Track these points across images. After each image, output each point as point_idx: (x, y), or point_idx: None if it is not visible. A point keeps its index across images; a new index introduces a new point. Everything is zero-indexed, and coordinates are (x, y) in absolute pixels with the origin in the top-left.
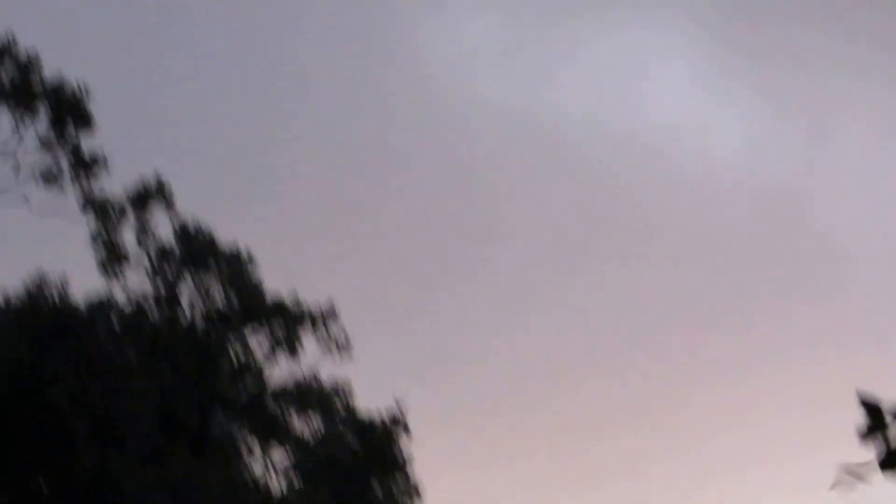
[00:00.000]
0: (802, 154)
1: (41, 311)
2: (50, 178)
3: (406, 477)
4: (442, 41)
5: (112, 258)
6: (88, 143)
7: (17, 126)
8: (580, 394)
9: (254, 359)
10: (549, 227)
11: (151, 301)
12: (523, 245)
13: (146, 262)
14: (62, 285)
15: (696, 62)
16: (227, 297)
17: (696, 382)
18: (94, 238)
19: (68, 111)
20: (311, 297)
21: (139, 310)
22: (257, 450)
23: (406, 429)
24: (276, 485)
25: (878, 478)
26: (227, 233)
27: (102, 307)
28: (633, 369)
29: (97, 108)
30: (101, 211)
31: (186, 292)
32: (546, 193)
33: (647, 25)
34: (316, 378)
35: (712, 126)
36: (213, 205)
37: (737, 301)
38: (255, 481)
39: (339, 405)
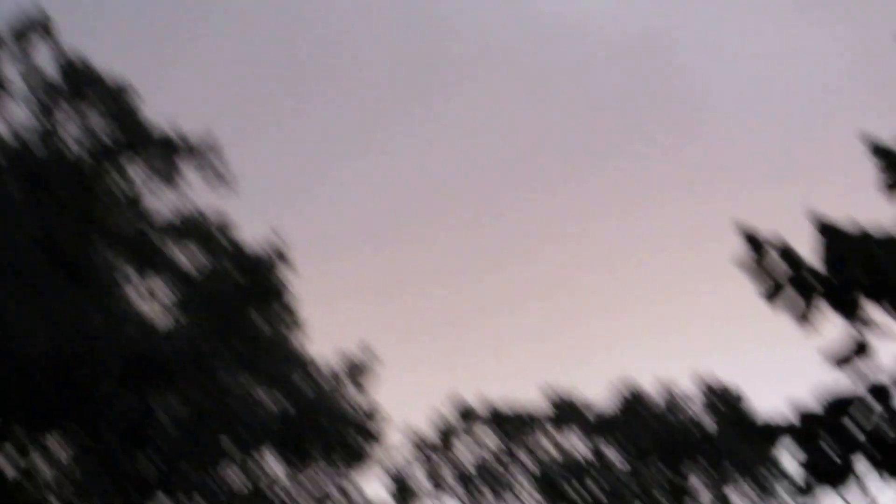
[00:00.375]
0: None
1: None
2: None
3: (288, 308)
4: None
5: None
6: None
7: None
8: (460, 226)
9: (136, 191)
10: (404, 67)
11: (34, 134)
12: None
13: (28, 95)
14: None
15: None
16: (109, 129)
17: (568, 222)
18: None
19: None
20: (193, 130)
21: (21, 143)
22: (138, 282)
23: (287, 261)
24: (157, 316)
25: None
26: (111, 66)
27: None
28: (508, 208)
29: None
30: None
31: (69, 125)
32: (403, 37)
33: None
34: (197, 210)
35: None
36: (96, 38)
37: (603, 143)
38: (136, 313)
39: (219, 237)
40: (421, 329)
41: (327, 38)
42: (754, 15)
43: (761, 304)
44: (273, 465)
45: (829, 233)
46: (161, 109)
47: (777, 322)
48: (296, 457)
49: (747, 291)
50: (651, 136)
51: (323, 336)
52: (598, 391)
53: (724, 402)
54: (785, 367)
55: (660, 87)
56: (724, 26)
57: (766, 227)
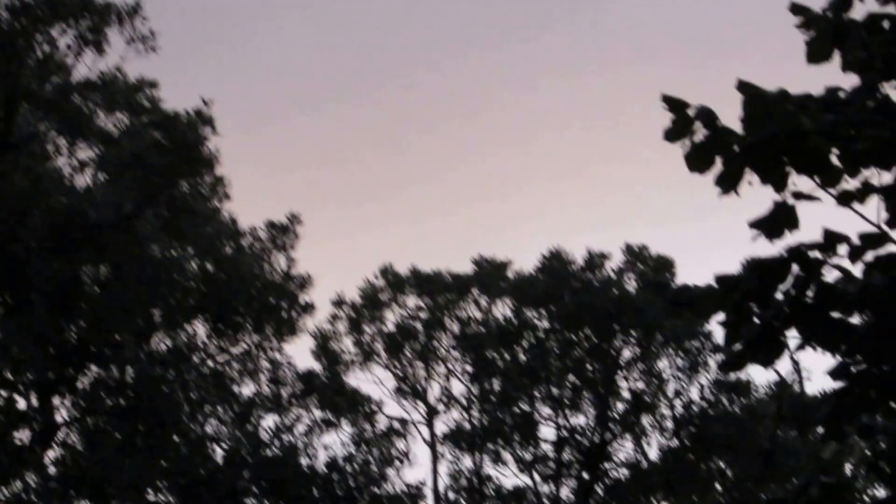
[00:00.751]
0: None
1: None
2: None
3: (213, 173)
4: None
5: None
6: None
7: None
8: (390, 90)
9: (59, 54)
10: None
11: None
12: None
13: None
14: None
15: None
16: None
17: (474, 100)
18: None
19: None
20: None
21: None
22: (63, 144)
23: (212, 125)
24: (82, 180)
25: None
26: None
27: None
28: (436, 71)
29: None
30: None
31: None
32: None
33: None
34: (122, 74)
35: None
36: None
37: (469, 30)
38: (62, 178)
39: (145, 101)
40: (348, 195)
41: None
42: None
43: (687, 175)
44: (202, 333)
45: (751, 94)
46: None
47: (704, 193)
48: (224, 325)
49: (674, 163)
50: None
51: (249, 202)
52: (526, 260)
53: (653, 271)
54: (713, 237)
55: None
56: None
57: (688, 98)
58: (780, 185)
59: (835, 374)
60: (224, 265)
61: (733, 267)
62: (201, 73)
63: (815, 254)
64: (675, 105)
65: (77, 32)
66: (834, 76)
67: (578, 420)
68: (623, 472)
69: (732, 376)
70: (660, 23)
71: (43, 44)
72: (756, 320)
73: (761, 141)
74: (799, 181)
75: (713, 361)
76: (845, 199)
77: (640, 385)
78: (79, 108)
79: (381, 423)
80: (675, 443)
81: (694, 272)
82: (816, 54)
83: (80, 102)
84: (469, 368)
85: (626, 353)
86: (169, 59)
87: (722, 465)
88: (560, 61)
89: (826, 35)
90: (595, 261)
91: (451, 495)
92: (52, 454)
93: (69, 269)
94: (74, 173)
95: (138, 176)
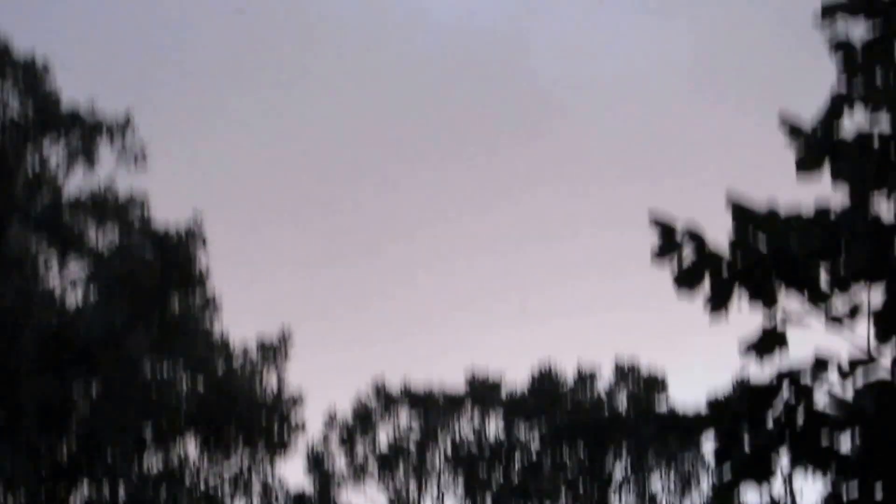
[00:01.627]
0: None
1: None
2: None
3: (203, 290)
4: None
5: None
6: None
7: None
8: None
9: (50, 169)
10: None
11: None
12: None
13: None
14: None
15: None
16: (22, 106)
17: (432, 215)
18: None
19: None
20: (109, 107)
21: None
22: (54, 262)
23: (203, 241)
24: (73, 298)
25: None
26: (24, 41)
27: None
28: (365, 201)
29: None
30: None
31: None
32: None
33: None
34: (112, 190)
35: None
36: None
37: (456, 139)
38: (52, 295)
39: (135, 217)
40: (340, 304)
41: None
42: (603, 12)
43: (675, 293)
44: (193, 451)
45: (740, 215)
46: (78, 87)
47: (693, 311)
48: (215, 443)
49: (664, 279)
50: (499, 133)
51: (240, 311)
52: (518, 371)
53: (644, 389)
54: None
55: (513, 82)
56: (574, 22)
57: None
58: (769, 304)
59: (827, 502)
60: (215, 383)
61: (724, 381)
62: (190, 182)
63: (805, 376)
64: (662, 225)
65: (68, 148)
66: (824, 188)
67: None
68: None
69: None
70: (650, 136)
71: (34, 160)
72: (747, 443)
73: (750, 259)
74: (789, 303)
75: (706, 479)
76: (835, 321)
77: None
78: (69, 224)
79: None
80: None
81: (685, 386)
82: (806, 171)
83: (71, 219)
84: (461, 487)
85: (619, 472)
86: (159, 168)
87: None
88: (550, 171)
89: (815, 152)
90: (586, 378)
91: None
92: None
93: (60, 387)
94: (65, 291)
95: (129, 293)
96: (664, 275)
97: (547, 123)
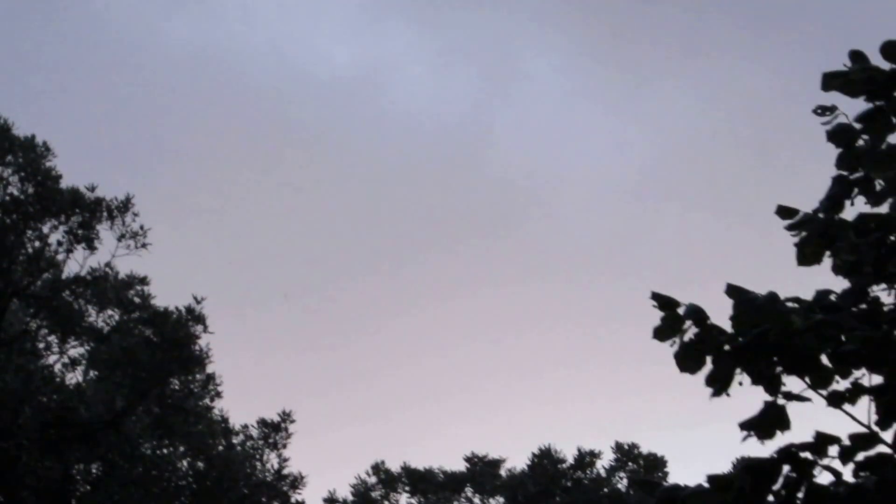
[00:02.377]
0: (482, 93)
1: None
2: None
3: (203, 369)
4: None
5: None
6: None
7: None
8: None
9: (50, 249)
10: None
11: None
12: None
13: None
14: None
15: (376, 7)
16: (23, 188)
17: (431, 298)
18: None
19: None
20: (109, 189)
21: None
22: (54, 342)
23: (203, 323)
24: (73, 377)
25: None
26: (25, 123)
27: None
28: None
29: None
30: None
31: None
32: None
33: None
34: (112, 270)
35: (390, 61)
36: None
37: (416, 234)
38: (52, 374)
39: (135, 298)
40: (340, 385)
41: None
42: (569, 108)
43: (678, 374)
44: None
45: (741, 297)
46: (77, 168)
47: (695, 389)
48: None
49: (665, 361)
50: (462, 229)
51: (240, 392)
52: (518, 454)
53: (644, 469)
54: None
55: (483, 176)
56: (539, 120)
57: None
58: (770, 385)
59: None
60: (215, 464)
61: (726, 465)
62: (191, 263)
63: (806, 454)
64: (664, 303)
65: (68, 228)
66: (824, 278)
67: None
68: None
69: None
70: (647, 223)
71: (34, 240)
72: None
73: (752, 341)
74: (790, 381)
75: None
76: (836, 401)
77: None
78: (70, 304)
79: None
80: None
81: (685, 470)
82: (807, 257)
83: (71, 299)
84: None
85: None
86: (159, 251)
87: None
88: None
89: (816, 237)
90: (585, 459)
91: None
92: None
93: (60, 467)
94: (65, 370)
95: (129, 373)
96: (659, 358)
97: (522, 216)
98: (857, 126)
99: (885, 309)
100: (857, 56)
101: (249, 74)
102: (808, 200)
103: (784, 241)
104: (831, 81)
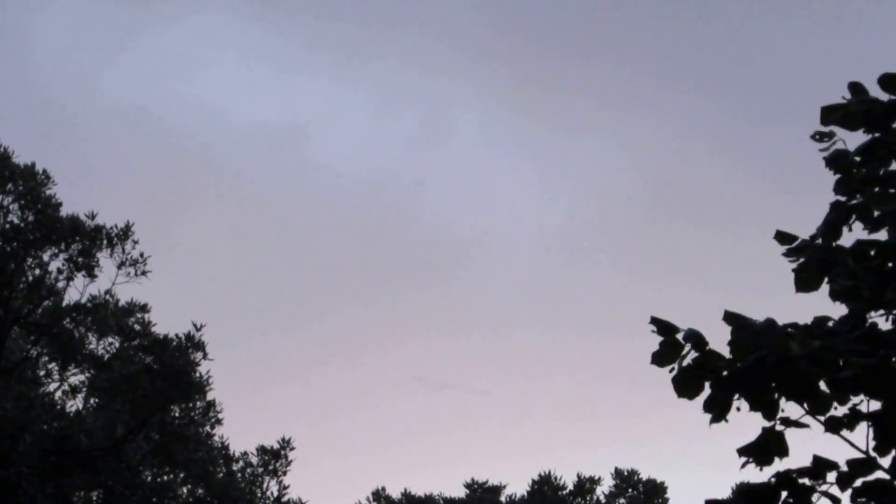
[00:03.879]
0: (416, 147)
1: None
2: None
3: (204, 396)
4: None
5: None
6: None
7: None
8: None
9: (50, 278)
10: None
11: None
12: None
13: None
14: None
15: (304, 62)
16: (23, 216)
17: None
18: None
19: None
20: (109, 217)
21: None
22: (54, 370)
23: (203, 350)
24: (73, 404)
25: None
26: (24, 152)
27: None
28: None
29: None
30: None
31: None
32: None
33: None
34: (112, 297)
35: (319, 113)
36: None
37: (348, 285)
38: (53, 402)
39: (136, 325)
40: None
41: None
42: (497, 159)
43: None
44: None
45: (738, 323)
46: (78, 196)
47: (694, 415)
48: None
49: (664, 385)
50: (398, 278)
51: (241, 420)
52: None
53: (644, 495)
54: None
55: (413, 228)
56: (469, 172)
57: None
58: (769, 411)
59: None
60: (215, 491)
61: (725, 491)
62: (190, 294)
63: (805, 480)
64: (663, 328)
65: (68, 256)
66: (821, 305)
67: None
68: None
69: None
70: (650, 247)
71: (34, 267)
72: None
73: (750, 367)
74: (788, 407)
75: None
76: (834, 427)
77: None
78: (70, 332)
79: None
80: None
81: (685, 496)
82: (805, 283)
83: (72, 326)
84: None
85: None
86: (159, 279)
87: None
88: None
89: (814, 263)
90: (586, 486)
91: None
92: None
93: (61, 494)
94: (66, 398)
95: (129, 400)
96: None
97: (454, 266)
98: (857, 159)
99: (883, 336)
100: (856, 88)
101: (180, 127)
102: (732, 256)
103: (705, 287)
104: (830, 115)
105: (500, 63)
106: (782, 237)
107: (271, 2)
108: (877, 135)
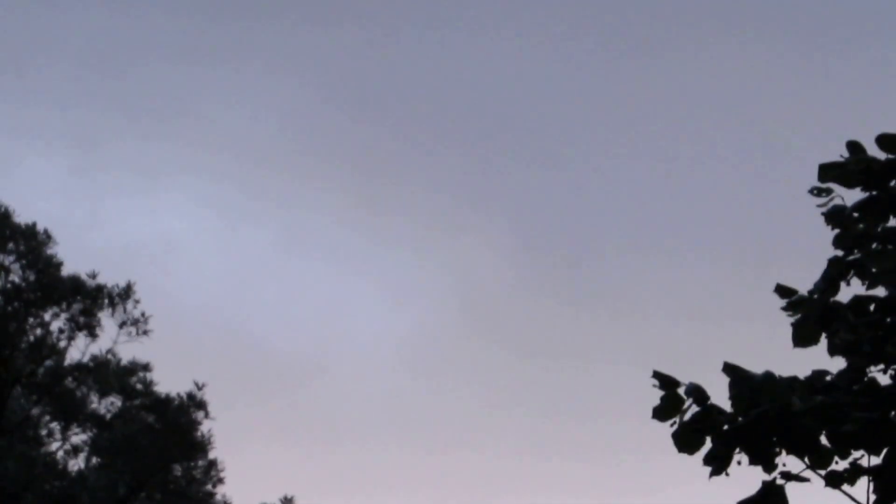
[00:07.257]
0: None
1: None
2: None
3: (206, 455)
4: None
5: None
6: None
7: None
8: None
9: (52, 338)
10: None
11: None
12: None
13: None
14: None
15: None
16: (24, 275)
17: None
18: None
19: None
20: (111, 276)
21: None
22: (56, 429)
23: (205, 409)
24: (75, 464)
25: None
26: (25, 211)
27: None
28: None
29: None
30: None
31: None
32: None
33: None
34: (114, 357)
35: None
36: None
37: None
38: (55, 461)
39: (137, 384)
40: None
41: None
42: (339, 276)
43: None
44: None
45: (738, 376)
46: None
47: (693, 467)
48: None
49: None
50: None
51: (244, 478)
52: None
53: None
54: None
55: (255, 346)
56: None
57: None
58: (769, 465)
59: None
60: None
61: None
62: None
63: None
64: (665, 382)
65: (69, 316)
66: (819, 359)
67: None
68: None
69: None
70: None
71: (35, 327)
72: None
73: (751, 421)
74: (788, 461)
75: None
76: (835, 481)
77: None
78: (72, 391)
79: None
80: None
81: None
82: (803, 338)
83: (73, 386)
84: None
85: None
86: (161, 337)
87: None
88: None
89: (813, 318)
90: None
91: None
92: None
93: None
94: (67, 457)
95: (131, 460)
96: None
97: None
98: (855, 214)
99: (883, 391)
100: (854, 147)
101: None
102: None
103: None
104: (828, 173)
105: (336, 183)
106: (782, 291)
107: None
108: (874, 192)
